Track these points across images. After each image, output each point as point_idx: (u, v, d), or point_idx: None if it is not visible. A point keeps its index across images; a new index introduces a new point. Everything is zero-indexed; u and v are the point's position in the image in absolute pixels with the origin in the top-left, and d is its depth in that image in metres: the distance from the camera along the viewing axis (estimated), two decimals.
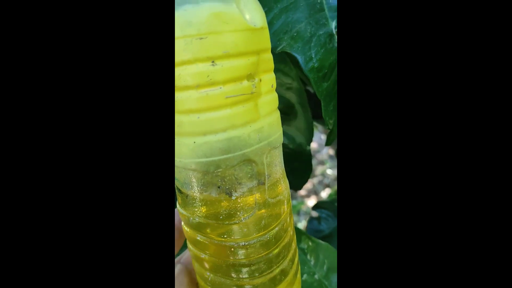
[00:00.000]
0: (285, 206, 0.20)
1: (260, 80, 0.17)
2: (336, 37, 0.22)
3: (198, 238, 0.19)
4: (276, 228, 0.19)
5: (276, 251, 0.19)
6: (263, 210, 0.18)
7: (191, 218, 0.19)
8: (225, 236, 0.18)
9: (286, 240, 0.20)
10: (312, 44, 0.20)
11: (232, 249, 0.18)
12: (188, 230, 0.20)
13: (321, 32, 0.21)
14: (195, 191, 0.18)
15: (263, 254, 0.19)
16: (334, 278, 0.34)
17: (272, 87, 0.18)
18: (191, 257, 0.21)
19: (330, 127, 0.24)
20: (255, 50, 0.16)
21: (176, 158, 0.17)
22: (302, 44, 0.21)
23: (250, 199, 0.18)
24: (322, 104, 0.22)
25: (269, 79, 0.18)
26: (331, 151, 1.46)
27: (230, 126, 0.16)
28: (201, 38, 0.15)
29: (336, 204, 0.43)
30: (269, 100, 0.18)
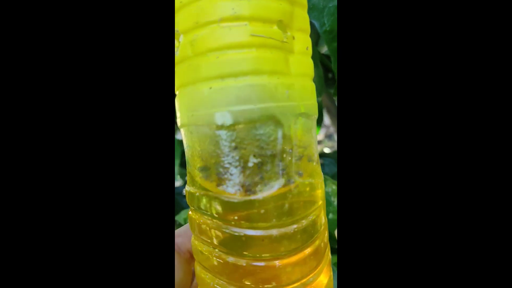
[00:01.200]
0: (319, 198, 0.15)
1: (294, 38, 0.15)
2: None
3: (205, 246, 0.15)
4: (304, 221, 0.14)
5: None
6: (288, 196, 0.14)
7: (197, 194, 0.15)
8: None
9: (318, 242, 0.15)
10: (324, 13, 0.28)
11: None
12: (192, 214, 0.16)
13: (330, 5, 0.28)
14: (206, 155, 0.14)
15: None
16: None
17: (307, 49, 0.16)
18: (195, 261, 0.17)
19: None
20: None
21: (186, 113, 0.15)
22: (318, 13, 0.28)
23: (272, 173, 0.14)
24: (331, 59, 0.29)
25: (304, 39, 0.15)
26: (331, 129, 1.32)
27: (254, 71, 0.14)
28: None
29: (336, 155, 0.54)
30: (303, 62, 0.15)
